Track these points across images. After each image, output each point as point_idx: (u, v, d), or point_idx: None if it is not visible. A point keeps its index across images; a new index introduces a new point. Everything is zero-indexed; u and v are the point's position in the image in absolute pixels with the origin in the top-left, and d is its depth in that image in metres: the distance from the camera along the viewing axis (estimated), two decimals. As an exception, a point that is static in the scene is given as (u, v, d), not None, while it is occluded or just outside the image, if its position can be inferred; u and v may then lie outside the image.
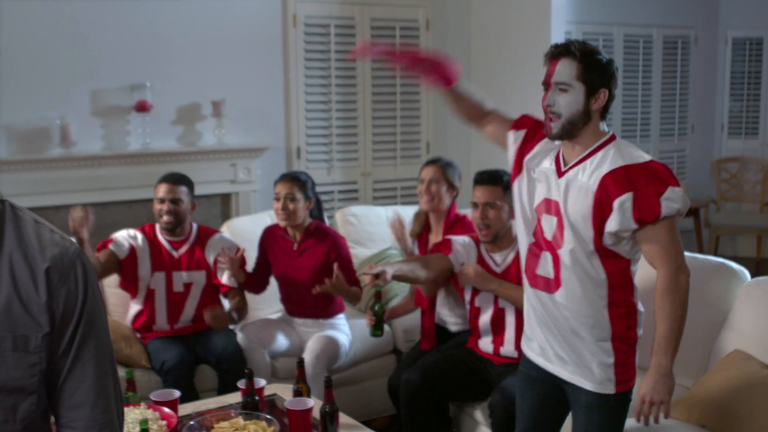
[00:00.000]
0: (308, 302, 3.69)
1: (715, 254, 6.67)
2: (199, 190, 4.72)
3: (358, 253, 4.43)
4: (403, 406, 3.29)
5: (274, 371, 3.71)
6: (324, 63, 5.24)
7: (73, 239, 1.22)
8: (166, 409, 2.69)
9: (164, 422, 2.62)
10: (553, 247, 2.28)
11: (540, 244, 2.34)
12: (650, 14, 7.01)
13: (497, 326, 3.23)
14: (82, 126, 4.56)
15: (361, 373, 3.95)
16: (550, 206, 2.29)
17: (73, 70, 4.54)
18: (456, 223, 3.56)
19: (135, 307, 3.69)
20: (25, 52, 4.35)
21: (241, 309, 3.67)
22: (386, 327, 4.10)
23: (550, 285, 2.31)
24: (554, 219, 2.27)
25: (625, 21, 6.86)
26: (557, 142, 2.32)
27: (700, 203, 7.00)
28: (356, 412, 3.40)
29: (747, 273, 3.10)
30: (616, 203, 2.14)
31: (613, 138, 2.26)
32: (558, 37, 5.17)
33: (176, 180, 3.65)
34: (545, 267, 2.32)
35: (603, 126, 2.27)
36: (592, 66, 2.21)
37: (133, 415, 2.60)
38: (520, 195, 2.40)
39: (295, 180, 3.64)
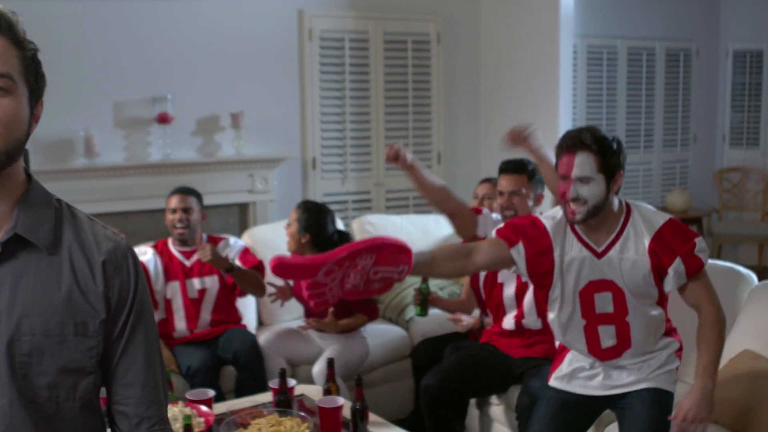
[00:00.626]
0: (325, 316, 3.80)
1: (718, 262, 6.79)
2: (217, 200, 4.88)
3: (375, 260, 4.55)
4: (424, 410, 3.39)
5: (295, 375, 3.81)
6: (338, 76, 5.38)
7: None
8: (203, 407, 2.82)
9: (202, 419, 2.74)
10: (617, 318, 2.53)
11: (596, 321, 2.55)
12: (653, 27, 7.17)
13: (520, 298, 3.34)
14: (105, 137, 4.69)
15: (378, 377, 4.06)
16: (600, 285, 2.51)
17: (96, 83, 4.67)
18: None
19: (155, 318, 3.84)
20: (50, 66, 4.45)
21: (249, 277, 3.78)
22: (404, 332, 4.23)
23: (619, 350, 2.58)
24: (608, 294, 2.51)
25: (629, 34, 7.02)
26: (555, 223, 2.53)
27: (703, 212, 7.14)
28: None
29: (755, 277, 3.23)
30: (671, 270, 2.45)
31: (629, 208, 2.51)
32: (566, 51, 5.31)
33: (186, 191, 3.87)
34: (608, 339, 2.56)
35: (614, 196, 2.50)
36: (608, 155, 2.40)
37: (172, 412, 2.72)
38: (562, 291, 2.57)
39: (298, 209, 3.84)
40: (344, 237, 3.86)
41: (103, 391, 1.39)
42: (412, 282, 4.38)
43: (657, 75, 7.25)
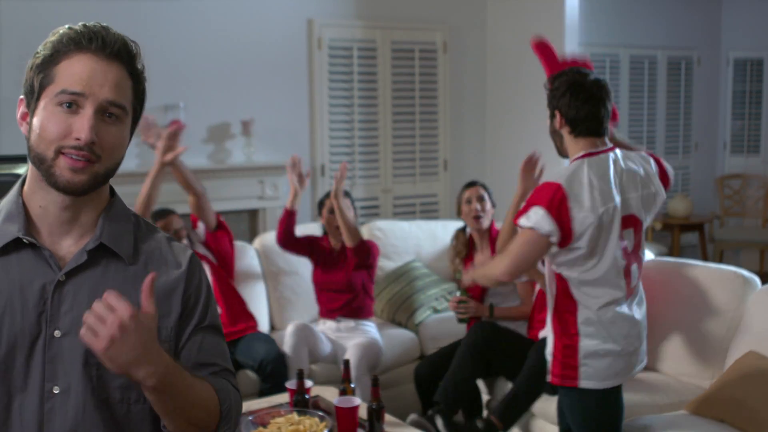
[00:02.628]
0: (343, 303, 3.99)
1: (720, 268, 6.86)
2: (227, 206, 4.96)
3: (384, 265, 4.64)
4: (461, 353, 3.53)
5: (312, 374, 3.87)
6: (347, 84, 5.47)
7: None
8: (223, 407, 2.88)
9: (222, 419, 2.81)
10: None
11: None
12: (655, 36, 7.27)
13: None
14: (118, 144, 4.76)
15: (389, 379, 4.10)
16: None
17: (110, 92, 4.73)
18: None
19: None
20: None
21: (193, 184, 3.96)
22: (413, 335, 4.30)
23: None
24: None
25: (631, 43, 7.12)
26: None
27: (705, 219, 7.22)
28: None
29: (758, 280, 3.32)
30: None
31: (577, 158, 2.58)
32: (571, 60, 5.40)
33: (171, 211, 4.00)
34: None
35: (578, 143, 2.60)
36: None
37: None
38: None
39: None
40: None
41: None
42: (422, 286, 4.45)
43: (659, 83, 7.34)
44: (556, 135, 2.67)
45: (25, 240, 1.30)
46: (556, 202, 2.47)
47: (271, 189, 5.19)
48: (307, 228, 4.46)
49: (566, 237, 2.49)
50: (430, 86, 5.79)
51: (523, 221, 2.52)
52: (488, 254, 3.79)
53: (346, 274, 3.98)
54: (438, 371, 3.68)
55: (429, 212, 5.82)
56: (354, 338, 3.92)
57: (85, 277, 1.31)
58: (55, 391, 1.28)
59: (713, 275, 3.39)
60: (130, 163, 4.83)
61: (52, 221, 1.32)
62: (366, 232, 4.78)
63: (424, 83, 5.76)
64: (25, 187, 1.35)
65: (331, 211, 4.01)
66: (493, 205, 3.86)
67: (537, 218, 2.48)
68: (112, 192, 1.40)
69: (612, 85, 7.23)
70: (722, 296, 3.29)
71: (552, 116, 2.63)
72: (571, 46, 5.39)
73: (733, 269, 3.39)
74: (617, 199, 2.53)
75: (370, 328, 4.02)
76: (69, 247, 1.33)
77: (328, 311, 4.07)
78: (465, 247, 3.94)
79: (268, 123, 5.16)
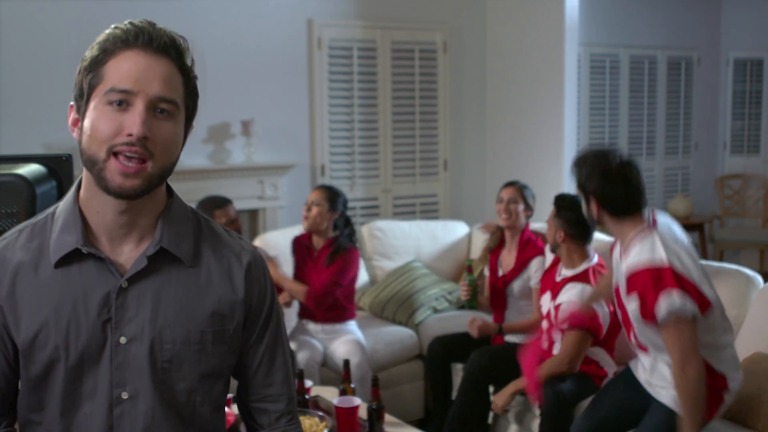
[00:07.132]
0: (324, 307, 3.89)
1: (720, 268, 6.85)
2: (228, 206, 4.96)
3: (384, 265, 4.64)
4: (462, 383, 3.49)
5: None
6: (347, 84, 5.47)
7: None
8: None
9: (222, 419, 2.81)
10: None
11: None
12: (655, 36, 7.26)
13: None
14: (118, 145, 4.75)
15: (387, 378, 4.07)
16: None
17: (110, 92, 4.73)
18: (528, 243, 3.80)
19: None
20: (62, 74, 4.54)
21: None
22: (413, 333, 4.29)
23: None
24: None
25: (631, 43, 7.11)
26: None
27: (704, 219, 7.21)
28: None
29: (761, 279, 3.31)
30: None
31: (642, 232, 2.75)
32: (571, 60, 5.40)
33: (229, 201, 3.94)
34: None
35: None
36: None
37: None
38: None
39: (325, 189, 3.89)
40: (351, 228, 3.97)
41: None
42: (422, 286, 4.45)
43: (659, 83, 7.34)
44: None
45: (84, 251, 1.28)
46: (679, 279, 2.48)
47: (271, 189, 5.19)
48: (289, 232, 4.46)
49: (704, 306, 2.51)
50: (430, 86, 5.79)
51: (664, 315, 2.46)
52: (514, 254, 3.80)
53: (327, 277, 3.81)
54: (452, 352, 3.84)
55: (429, 212, 5.82)
56: (342, 339, 3.89)
57: (147, 282, 1.30)
58: (124, 397, 1.30)
59: (715, 274, 3.36)
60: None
61: (110, 226, 1.30)
62: (366, 232, 4.78)
63: (424, 83, 5.75)
64: (81, 192, 1.31)
65: (316, 205, 3.83)
66: (528, 208, 3.86)
67: (678, 304, 2.46)
68: (170, 192, 1.37)
69: (612, 85, 7.26)
70: (724, 295, 3.25)
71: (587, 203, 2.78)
72: (571, 46, 5.39)
73: (734, 267, 3.39)
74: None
75: (354, 328, 3.99)
76: (129, 252, 1.31)
77: (308, 313, 3.94)
78: (496, 243, 3.98)
79: (268, 123, 5.16)
